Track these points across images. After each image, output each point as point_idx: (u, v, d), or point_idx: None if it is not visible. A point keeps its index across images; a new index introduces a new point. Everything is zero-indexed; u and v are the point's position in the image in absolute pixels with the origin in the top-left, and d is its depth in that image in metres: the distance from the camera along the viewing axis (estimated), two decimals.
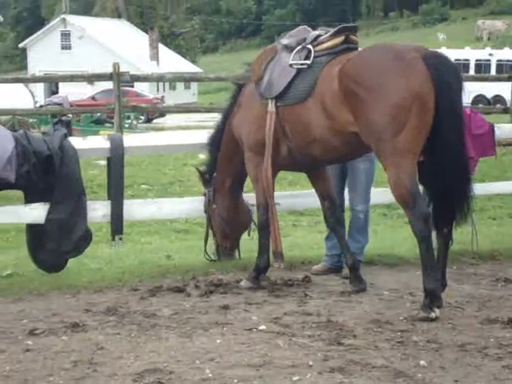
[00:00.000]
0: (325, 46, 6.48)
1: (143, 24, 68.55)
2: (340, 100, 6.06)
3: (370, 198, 7.39)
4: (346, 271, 7.03)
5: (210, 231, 7.53)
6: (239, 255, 7.61)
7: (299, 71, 6.49)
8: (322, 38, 6.55)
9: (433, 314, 5.83)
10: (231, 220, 7.36)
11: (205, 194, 7.51)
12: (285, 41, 6.78)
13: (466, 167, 6.13)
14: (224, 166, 7.26)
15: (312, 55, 6.47)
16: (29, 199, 6.94)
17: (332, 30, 6.56)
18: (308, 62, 6.46)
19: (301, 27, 6.97)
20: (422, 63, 5.84)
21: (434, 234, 6.10)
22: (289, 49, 6.67)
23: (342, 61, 6.19)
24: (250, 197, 7.43)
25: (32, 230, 7.10)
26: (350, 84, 5.99)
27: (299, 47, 6.60)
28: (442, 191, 6.05)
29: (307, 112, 6.34)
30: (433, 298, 5.89)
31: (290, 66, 6.56)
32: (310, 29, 6.87)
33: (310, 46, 6.53)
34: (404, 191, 5.86)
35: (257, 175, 6.81)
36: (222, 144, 7.22)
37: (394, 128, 5.79)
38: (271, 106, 6.57)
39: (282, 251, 6.77)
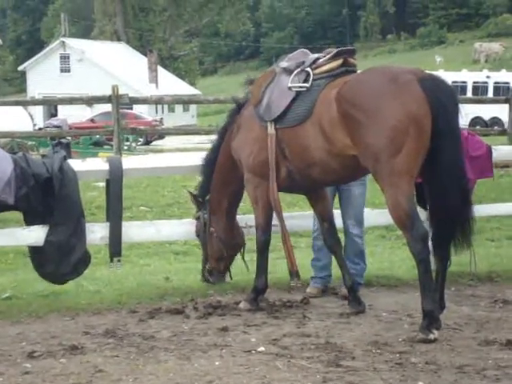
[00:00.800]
0: (323, 68, 6.50)
1: (142, 47, 68.75)
2: (337, 123, 6.08)
3: (363, 221, 7.42)
4: (344, 291, 7.02)
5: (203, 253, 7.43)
6: (230, 277, 7.47)
7: (298, 94, 6.50)
8: (321, 60, 6.57)
9: (431, 336, 5.82)
10: (229, 242, 7.27)
11: (198, 218, 7.35)
12: (284, 64, 6.79)
13: (465, 189, 6.14)
14: (220, 186, 7.14)
15: (311, 78, 6.49)
16: (28, 221, 6.93)
17: (330, 53, 6.59)
18: (307, 84, 6.48)
19: (299, 50, 6.98)
20: (417, 86, 5.88)
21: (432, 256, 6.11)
22: (288, 72, 6.68)
23: (340, 84, 6.22)
24: (245, 218, 7.44)
25: (32, 250, 7.09)
26: (347, 107, 6.01)
27: (298, 70, 6.61)
28: (441, 213, 6.06)
29: (306, 134, 6.35)
30: (431, 320, 5.88)
31: (289, 88, 6.57)
32: (308, 52, 6.90)
33: (308, 69, 6.55)
34: (402, 213, 5.87)
35: (256, 197, 6.81)
36: (217, 164, 7.11)
37: (391, 150, 5.81)
38: (271, 129, 6.58)
39: (297, 269, 6.78)
